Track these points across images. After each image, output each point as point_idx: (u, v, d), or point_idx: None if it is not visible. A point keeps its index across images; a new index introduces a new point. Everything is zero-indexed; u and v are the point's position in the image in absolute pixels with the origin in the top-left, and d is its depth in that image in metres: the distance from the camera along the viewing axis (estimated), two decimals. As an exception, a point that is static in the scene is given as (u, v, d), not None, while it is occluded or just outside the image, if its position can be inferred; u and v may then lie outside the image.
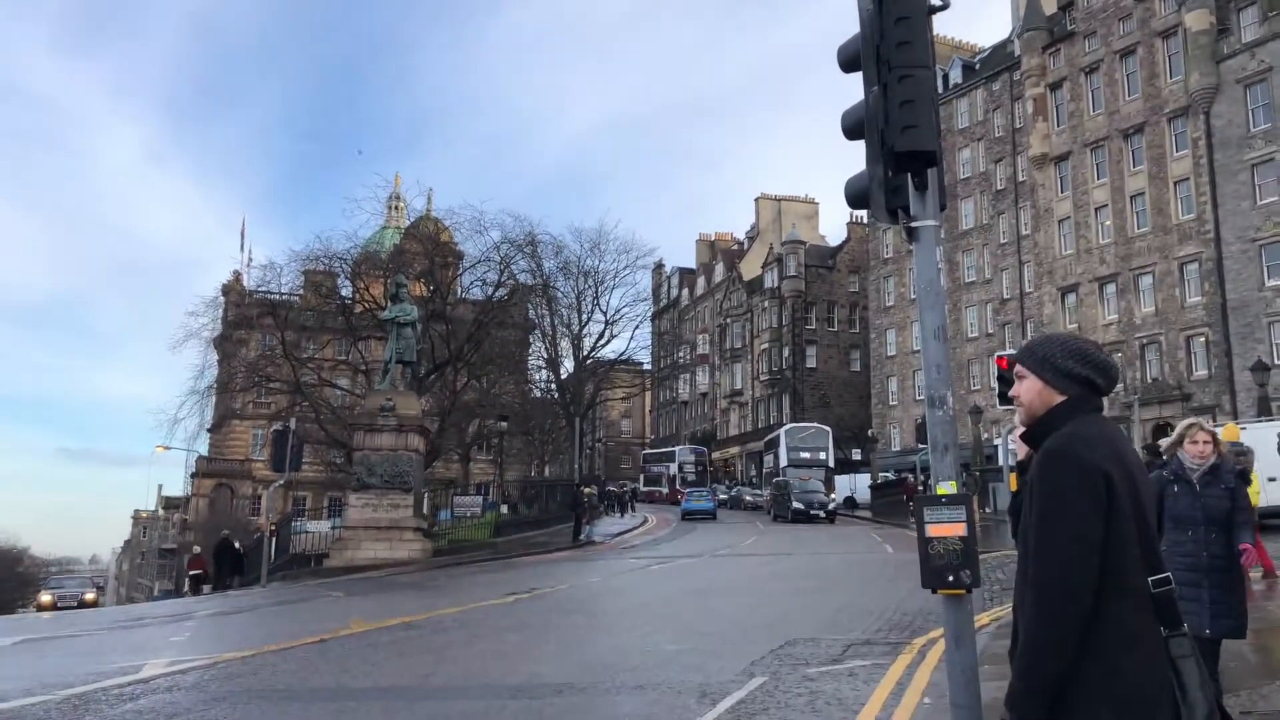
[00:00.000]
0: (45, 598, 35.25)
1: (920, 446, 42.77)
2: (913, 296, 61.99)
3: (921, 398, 60.30)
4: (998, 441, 40.86)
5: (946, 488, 4.73)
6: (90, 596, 34.34)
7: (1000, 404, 25.15)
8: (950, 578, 4.52)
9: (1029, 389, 2.83)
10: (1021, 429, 2.89)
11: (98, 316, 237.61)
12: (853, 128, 5.54)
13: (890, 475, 54.78)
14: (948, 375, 5.11)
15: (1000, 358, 23.64)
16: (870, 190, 5.20)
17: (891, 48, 4.96)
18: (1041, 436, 2.75)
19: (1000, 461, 32.89)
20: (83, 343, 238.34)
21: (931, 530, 4.55)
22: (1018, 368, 2.88)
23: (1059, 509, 2.52)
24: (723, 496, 59.00)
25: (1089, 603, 2.45)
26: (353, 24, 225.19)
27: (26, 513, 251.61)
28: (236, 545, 36.56)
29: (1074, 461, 2.55)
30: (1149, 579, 2.54)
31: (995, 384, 31.60)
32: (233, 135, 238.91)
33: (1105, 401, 2.85)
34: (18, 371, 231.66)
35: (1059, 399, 2.77)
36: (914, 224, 5.03)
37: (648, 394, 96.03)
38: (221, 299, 45.59)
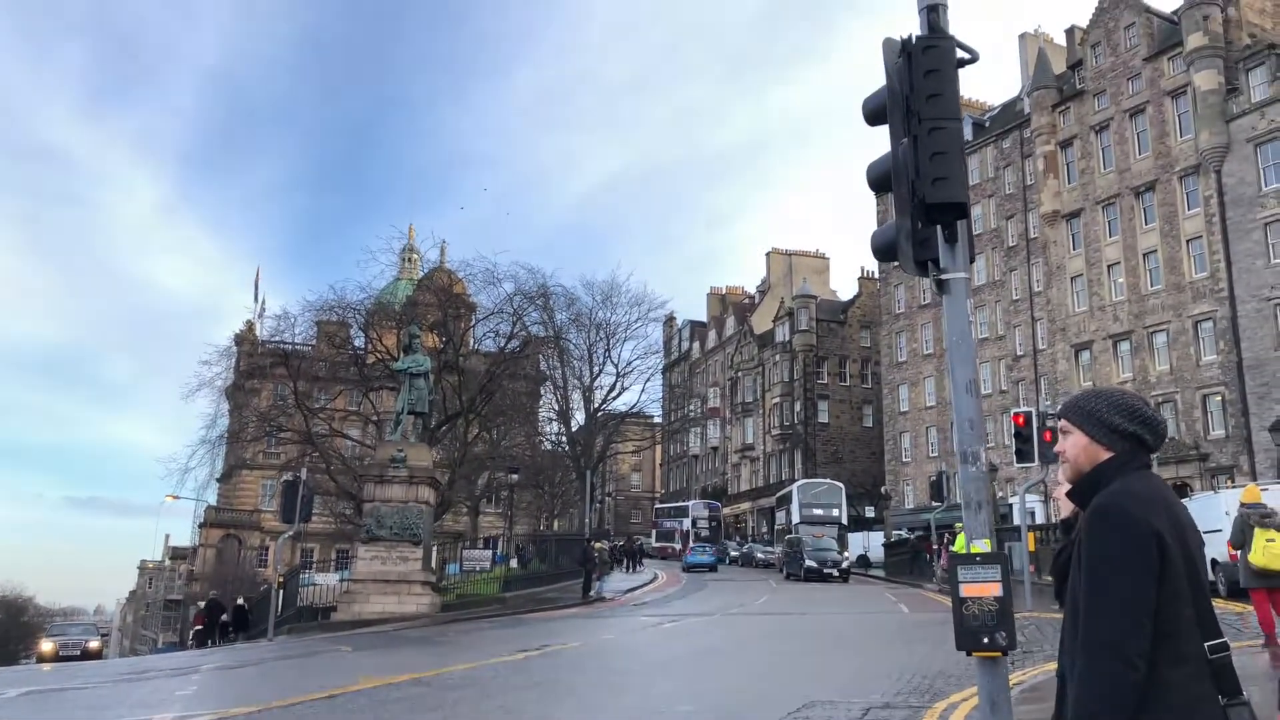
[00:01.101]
0: (47, 646, 34.62)
1: (934, 504, 42.28)
2: (926, 352, 61.96)
3: (935, 454, 59.95)
4: (1013, 500, 40.47)
5: (981, 546, 4.61)
6: (94, 645, 33.86)
7: (1017, 461, 25.01)
8: (985, 639, 4.38)
9: (1074, 445, 2.75)
10: (1066, 486, 2.79)
11: (109, 366, 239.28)
12: (879, 180, 5.52)
13: (904, 533, 54.23)
14: (981, 430, 5.01)
15: (1017, 415, 23.53)
16: (898, 243, 5.16)
17: (922, 100, 4.94)
18: (1088, 494, 2.65)
19: (1016, 520, 32.54)
20: (93, 392, 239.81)
21: (966, 590, 4.41)
22: (1062, 423, 2.80)
23: (1110, 569, 2.42)
24: (734, 553, 58.48)
25: (1143, 668, 2.34)
26: (366, 84, 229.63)
27: (32, 561, 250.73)
28: (241, 603, 36.38)
29: (1124, 519, 2.46)
30: (1205, 644, 2.43)
31: (1010, 441, 31.45)
32: (247, 189, 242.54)
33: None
34: (27, 420, 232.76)
35: (1105, 455, 2.68)
36: (944, 276, 4.97)
37: (658, 448, 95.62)
38: (234, 348, 45.74)
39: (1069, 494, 2.80)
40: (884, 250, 5.55)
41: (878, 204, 62.63)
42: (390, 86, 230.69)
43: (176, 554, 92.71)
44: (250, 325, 65.17)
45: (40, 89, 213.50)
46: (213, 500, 66.91)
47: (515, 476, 44.23)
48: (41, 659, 34.01)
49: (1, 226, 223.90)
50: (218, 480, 60.79)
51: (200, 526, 70.56)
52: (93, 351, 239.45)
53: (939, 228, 5.00)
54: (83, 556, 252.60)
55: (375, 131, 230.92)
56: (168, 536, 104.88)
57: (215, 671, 16.47)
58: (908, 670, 12.27)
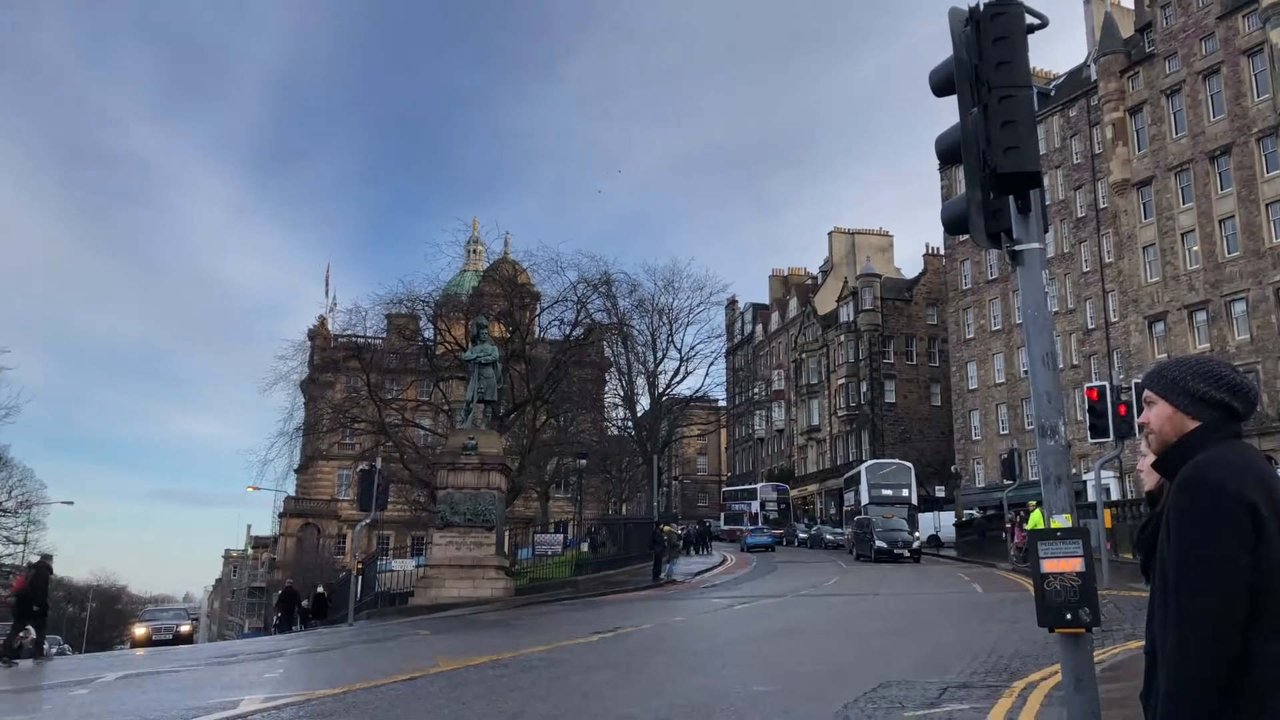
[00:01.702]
0: (140, 630, 35.70)
1: (1006, 482, 41.52)
2: (995, 328, 60.77)
3: (1005, 432, 58.87)
4: (1087, 476, 39.54)
5: (1061, 521, 4.50)
6: (185, 629, 34.90)
7: (1091, 437, 24.41)
8: (1068, 615, 4.28)
9: (1159, 415, 2.66)
10: (1151, 458, 2.71)
11: (187, 363, 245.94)
12: (948, 151, 5.40)
13: (975, 513, 53.40)
14: (1059, 403, 4.89)
15: (1090, 389, 22.99)
16: (969, 215, 5.04)
17: (991, 68, 4.82)
18: (1175, 465, 2.57)
19: (1091, 497, 31.80)
20: (174, 389, 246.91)
21: (1047, 565, 4.32)
22: (1146, 393, 2.71)
23: (1201, 542, 2.34)
24: (803, 535, 58.24)
25: (1237, 642, 2.27)
26: (425, 79, 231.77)
27: (124, 552, 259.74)
28: (320, 591, 37.26)
29: (1215, 490, 2.38)
30: (1304, 617, 2.34)
31: (1083, 417, 30.67)
32: (314, 186, 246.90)
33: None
34: (114, 418, 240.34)
35: (1192, 425, 2.60)
36: (1018, 247, 4.85)
37: (723, 431, 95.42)
38: (308, 343, 46.78)
39: (1155, 465, 2.71)
40: (955, 223, 5.42)
41: (941, 179, 61.47)
42: (448, 81, 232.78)
43: (258, 543, 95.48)
44: (323, 320, 66.46)
45: (113, 94, 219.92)
46: (291, 490, 68.63)
47: (583, 461, 44.50)
48: (135, 644, 35.12)
49: (81, 229, 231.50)
50: (296, 471, 62.30)
51: (280, 516, 72.48)
52: (170, 349, 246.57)
53: (1011, 198, 4.88)
54: (171, 546, 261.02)
55: (436, 126, 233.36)
56: (249, 526, 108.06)
57: (300, 655, 16.91)
58: (984, 649, 12.09)
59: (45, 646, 21.35)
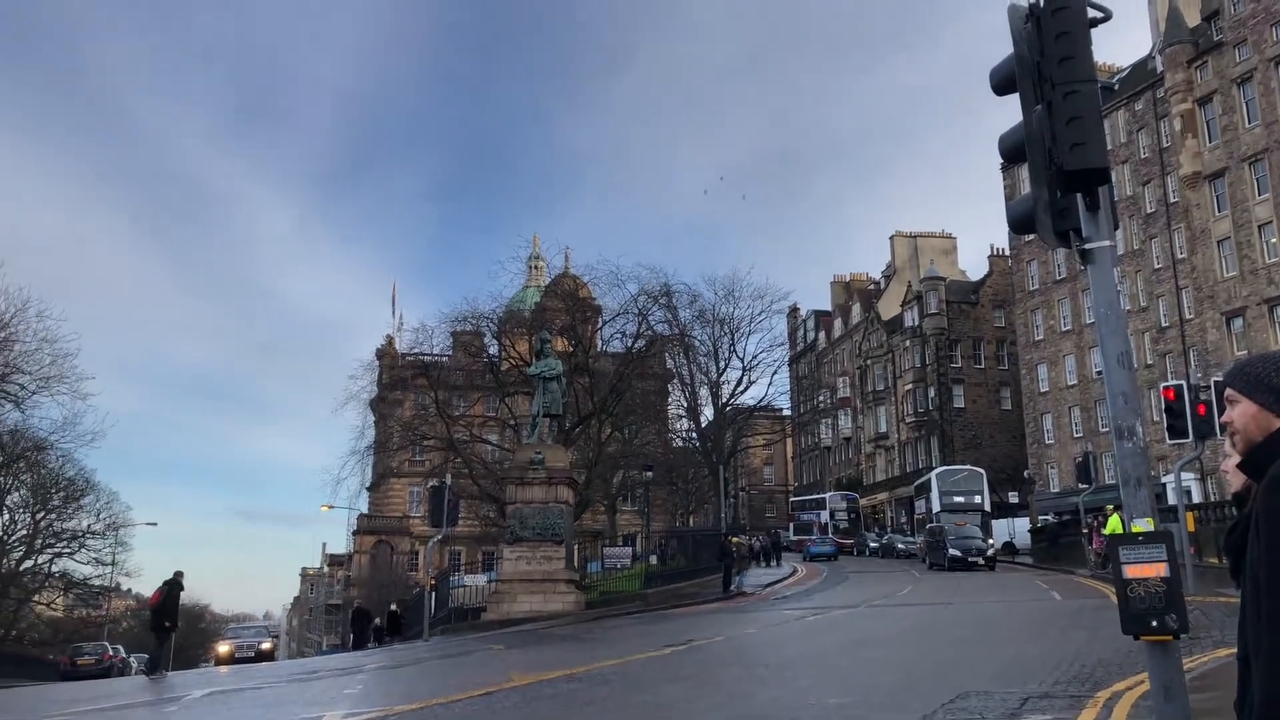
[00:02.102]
0: (224, 648, 36.61)
1: (1082, 486, 40.50)
2: (1065, 328, 59.43)
3: (1079, 435, 57.45)
4: (1167, 479, 38.36)
5: (1142, 524, 4.36)
6: (267, 646, 35.65)
7: (1169, 438, 23.68)
8: (1154, 622, 4.13)
9: (1243, 414, 2.56)
10: (1236, 458, 2.61)
11: (264, 386, 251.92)
12: (1012, 150, 5.31)
13: (1050, 518, 52.19)
14: (1135, 404, 4.75)
15: (1167, 389, 22.32)
16: (1035, 214, 4.94)
17: (1053, 64, 4.73)
18: (1261, 465, 2.47)
19: (1172, 500, 30.86)
20: (251, 411, 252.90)
21: (1130, 571, 4.18)
22: (1228, 392, 2.62)
23: (1292, 541, 2.25)
24: (873, 544, 57.51)
25: (1336, 645, 2.17)
26: (485, 98, 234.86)
27: (206, 572, 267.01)
28: (394, 608, 37.76)
29: (1304, 488, 2.28)
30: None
31: (1160, 417, 29.75)
32: (380, 207, 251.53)
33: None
34: (195, 440, 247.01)
35: (1278, 423, 2.49)
36: (1088, 245, 4.74)
37: (789, 440, 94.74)
38: (376, 362, 47.59)
39: (1240, 466, 2.61)
40: (1021, 222, 5.32)
41: (1005, 179, 60.40)
42: (507, 99, 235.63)
43: (334, 560, 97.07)
44: (390, 339, 67.78)
45: (182, 118, 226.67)
46: (364, 508, 69.79)
47: (649, 474, 44.59)
48: (219, 661, 35.98)
49: (160, 258, 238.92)
50: (368, 489, 63.45)
51: (354, 534, 73.68)
52: (248, 372, 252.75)
53: (1079, 195, 4.78)
54: (251, 565, 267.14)
55: (496, 144, 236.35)
56: (325, 544, 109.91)
57: (378, 671, 17.15)
58: (1064, 658, 11.79)
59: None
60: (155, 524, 60.47)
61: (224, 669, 27.69)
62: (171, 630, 20.52)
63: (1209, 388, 21.47)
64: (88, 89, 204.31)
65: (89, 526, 53.06)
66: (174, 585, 20.24)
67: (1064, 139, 4.71)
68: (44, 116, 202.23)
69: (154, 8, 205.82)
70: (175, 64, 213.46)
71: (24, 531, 50.05)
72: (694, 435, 61.67)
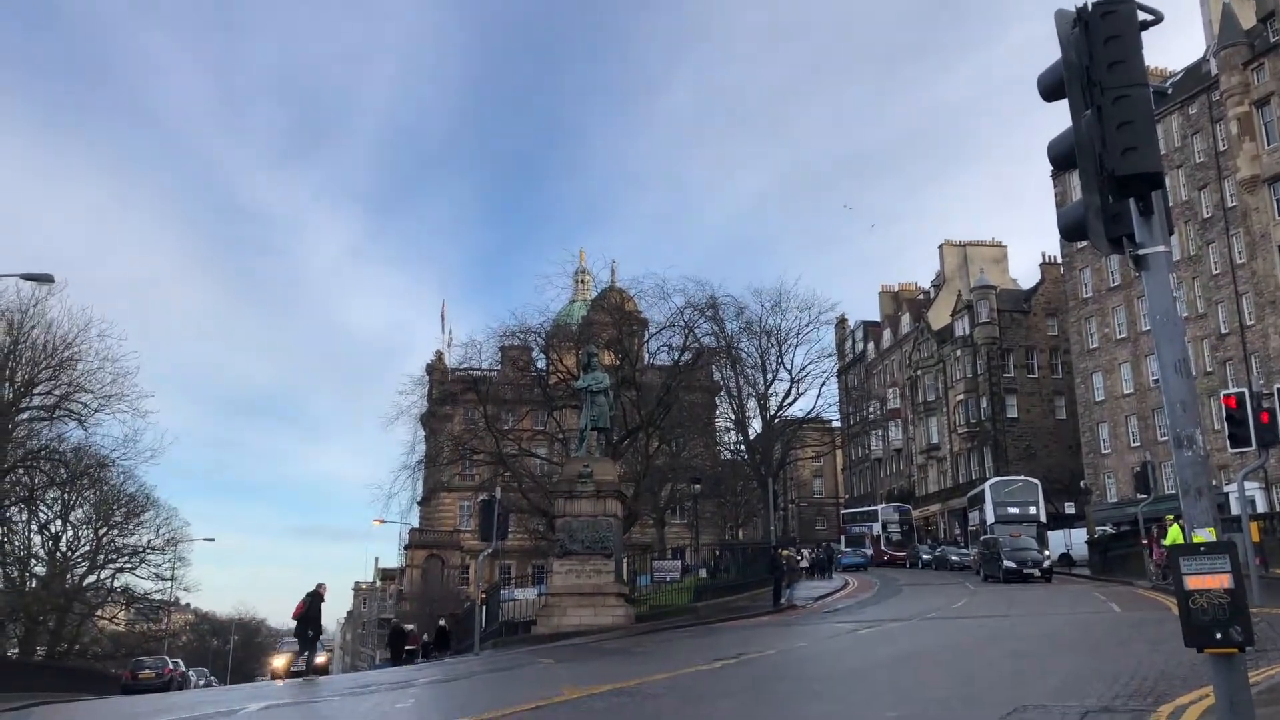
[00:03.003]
0: (279, 662, 37.12)
1: (1140, 496, 39.67)
2: (1120, 336, 58.36)
3: (1137, 444, 56.30)
4: (1229, 488, 37.40)
5: (1204, 534, 4.25)
6: (321, 660, 36.13)
7: (1231, 447, 23.11)
8: (1218, 634, 4.03)
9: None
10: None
11: (314, 402, 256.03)
12: (1062, 156, 5.24)
13: (1108, 529, 51.20)
14: (1194, 412, 4.65)
15: (1227, 396, 21.80)
16: (1088, 221, 4.86)
17: (1103, 69, 4.67)
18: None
19: (1235, 509, 30.09)
20: (306, 428, 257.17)
21: (1191, 582, 4.08)
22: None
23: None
24: (926, 557, 56.88)
25: None
26: (528, 117, 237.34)
27: (263, 587, 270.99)
28: (442, 624, 38.01)
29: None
30: None
31: (1220, 426, 29.01)
32: (428, 227, 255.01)
33: None
34: (248, 457, 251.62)
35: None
36: (1142, 251, 4.66)
37: (838, 452, 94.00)
38: (426, 378, 48.08)
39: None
40: (1072, 230, 5.25)
41: (1055, 186, 59.53)
42: (551, 117, 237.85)
43: (386, 575, 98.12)
44: (440, 355, 68.51)
45: (239, 150, 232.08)
46: (415, 523, 70.52)
47: (698, 487, 44.47)
48: (274, 675, 36.46)
49: (216, 281, 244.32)
50: (419, 503, 64.13)
51: (405, 548, 74.35)
52: (302, 390, 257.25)
53: (1132, 201, 4.71)
54: (306, 580, 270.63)
55: (540, 162, 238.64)
56: (377, 559, 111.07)
57: (430, 685, 17.27)
58: (1124, 672, 11.53)
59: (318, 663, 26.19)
60: (213, 539, 61.69)
61: (279, 682, 28.12)
62: (316, 638, 22.80)
63: (1271, 395, 20.94)
64: (153, 121, 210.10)
65: (149, 542, 54.19)
66: (315, 596, 22.22)
67: (1115, 144, 4.65)
68: (112, 149, 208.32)
69: (214, 43, 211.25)
70: (235, 97, 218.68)
71: (87, 547, 51.21)
72: (742, 448, 61.39)
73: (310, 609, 21.89)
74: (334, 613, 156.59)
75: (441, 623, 38.96)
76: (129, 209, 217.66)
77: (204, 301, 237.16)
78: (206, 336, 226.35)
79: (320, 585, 22.36)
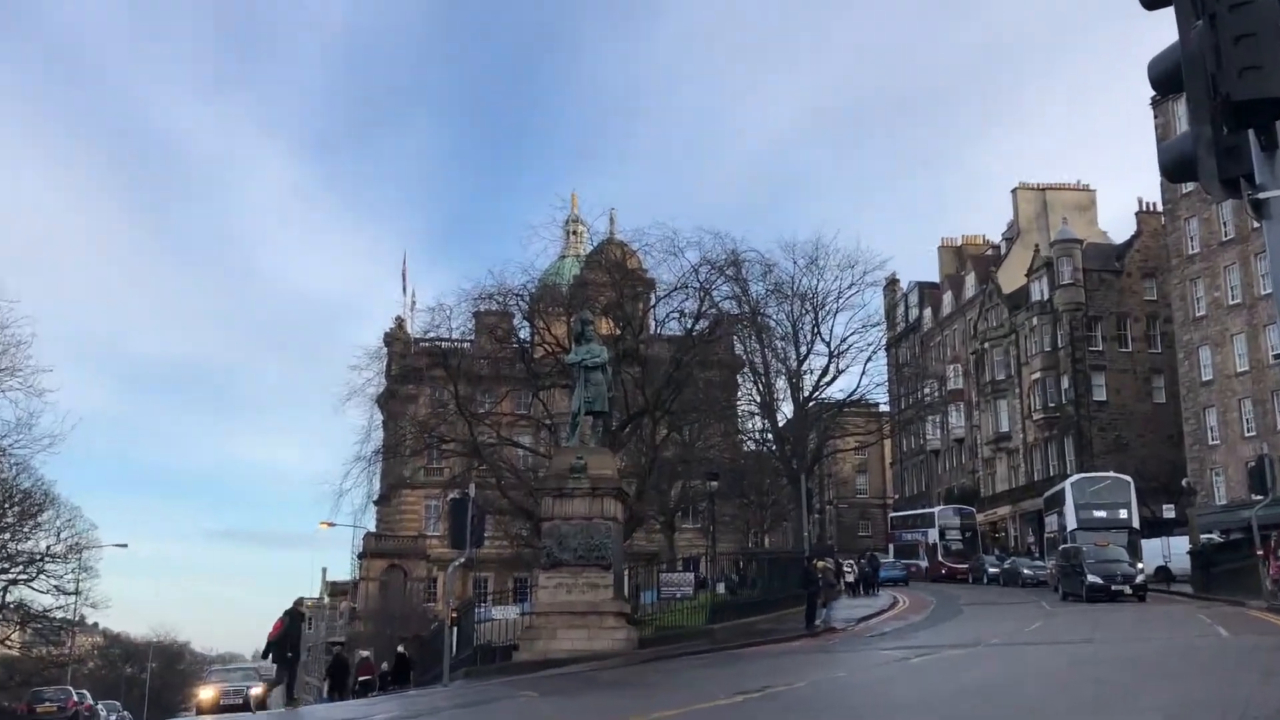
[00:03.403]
0: (207, 694, 36.98)
1: (1256, 498, 39.79)
2: (1233, 301, 58.31)
3: (1252, 433, 56.40)
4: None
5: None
6: (257, 691, 36.34)
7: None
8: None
9: None
10: None
11: (251, 380, 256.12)
12: (1165, 78, 5.20)
13: (1215, 536, 51.33)
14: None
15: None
16: (1196, 157, 4.84)
17: (1218, -32, 4.65)
18: None
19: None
20: (232, 409, 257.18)
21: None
22: None
23: None
24: (993, 570, 57.22)
25: None
26: (509, 36, 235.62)
27: (184, 603, 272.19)
28: (401, 651, 38.50)
29: None
30: None
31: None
32: (388, 166, 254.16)
33: None
34: (169, 446, 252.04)
35: None
36: (1262, 195, 4.64)
37: (887, 443, 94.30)
38: (385, 350, 48.20)
39: None
40: (1177, 167, 5.24)
41: (1156, 115, 59.20)
42: (538, 31, 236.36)
43: (335, 590, 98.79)
44: (400, 322, 68.71)
45: (156, 70, 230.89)
46: (372, 526, 70.84)
47: (715, 484, 44.59)
48: (201, 710, 36.65)
49: (129, 232, 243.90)
50: (375, 503, 64.37)
51: (359, 557, 74.79)
52: (232, 365, 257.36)
53: (1252, 132, 4.69)
54: (237, 595, 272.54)
55: (525, 86, 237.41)
56: (325, 570, 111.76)
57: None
58: (1235, 704, 11.63)
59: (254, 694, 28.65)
60: (125, 545, 62.30)
61: (208, 718, 28.42)
62: (295, 661, 24.66)
63: None
64: (43, 33, 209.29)
65: (48, 548, 54.42)
66: (295, 615, 23.96)
67: (1232, 62, 4.63)
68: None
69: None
70: (149, 3, 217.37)
71: (-29, 555, 51.46)
72: (769, 437, 61.58)
73: (290, 628, 23.58)
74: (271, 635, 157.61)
75: (401, 649, 39.21)
76: (18, 143, 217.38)
77: (114, 257, 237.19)
78: (118, 300, 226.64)
79: (298, 601, 24.51)
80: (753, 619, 32.99)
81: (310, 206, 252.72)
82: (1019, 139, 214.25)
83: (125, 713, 72.03)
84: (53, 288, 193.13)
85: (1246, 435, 56.94)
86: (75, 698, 43.50)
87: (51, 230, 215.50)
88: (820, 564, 34.34)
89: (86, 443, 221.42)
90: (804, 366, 59.74)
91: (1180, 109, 58.16)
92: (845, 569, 50.49)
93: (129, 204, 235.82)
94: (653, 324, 44.56)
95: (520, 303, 42.40)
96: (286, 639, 23.73)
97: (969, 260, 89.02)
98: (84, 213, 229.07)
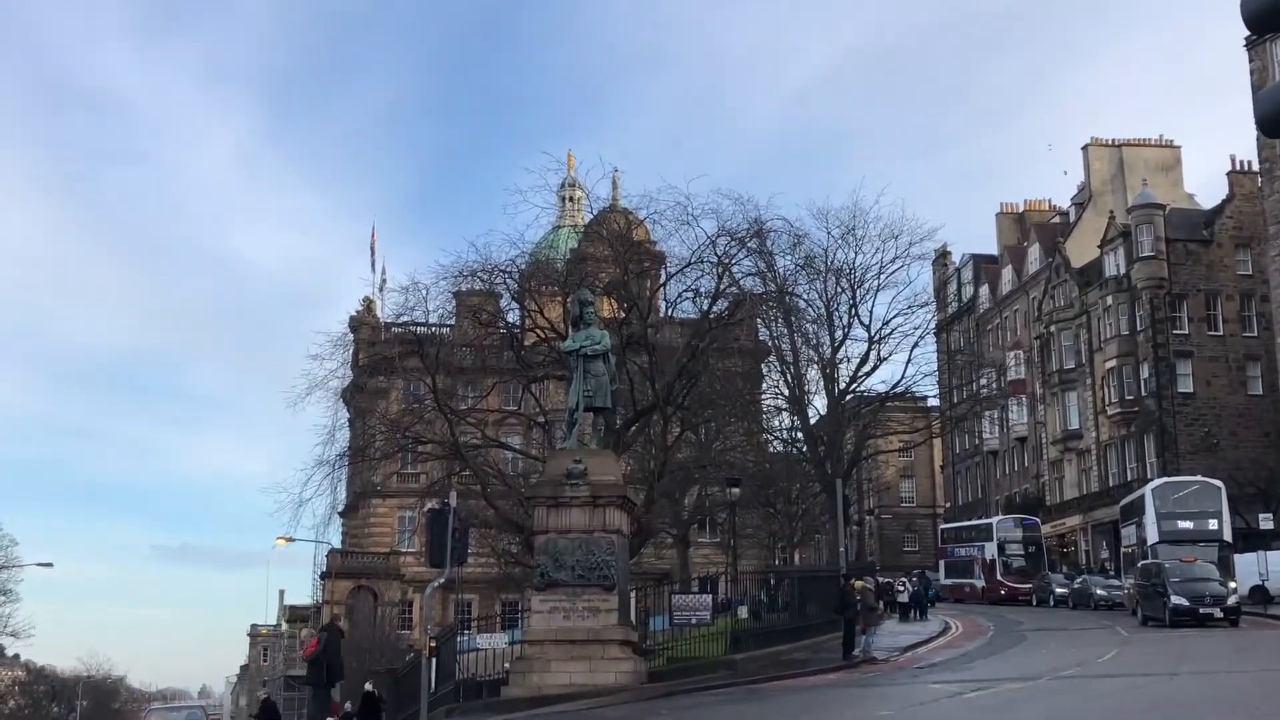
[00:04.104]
0: None
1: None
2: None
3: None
4: None
5: None
6: None
7: None
8: None
9: None
10: None
11: (191, 373, 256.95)
12: (1262, 15, 5.16)
13: (1322, 550, 51.39)
14: None
15: None
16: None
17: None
18: None
19: None
20: (173, 406, 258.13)
21: None
22: None
23: None
24: (1060, 590, 57.31)
25: None
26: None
27: (120, 631, 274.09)
28: (370, 689, 38.74)
29: None
30: None
31: None
32: (351, 122, 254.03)
33: None
34: (101, 451, 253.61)
35: None
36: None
37: (936, 443, 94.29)
38: (350, 336, 48.14)
39: None
40: (1275, 121, 5.24)
41: (1250, 60, 59.00)
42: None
43: (295, 615, 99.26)
44: (369, 304, 68.91)
45: (78, 10, 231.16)
46: (337, 541, 71.08)
47: (736, 491, 44.63)
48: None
49: (51, 201, 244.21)
50: (341, 514, 64.58)
51: (323, 577, 75.05)
52: (172, 356, 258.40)
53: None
54: (181, 622, 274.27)
55: (511, 26, 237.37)
56: (282, 593, 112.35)
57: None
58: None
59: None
60: (50, 565, 62.53)
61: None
62: (333, 683, 24.99)
63: None
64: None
65: (-38, 568, 54.76)
66: (333, 630, 24.79)
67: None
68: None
69: None
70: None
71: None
72: (799, 436, 61.63)
73: (329, 644, 24.27)
74: (223, 668, 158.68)
75: (369, 686, 39.18)
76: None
77: (34, 232, 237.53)
78: (38, 282, 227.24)
79: (335, 617, 25.05)
80: (780, 648, 33.07)
81: (260, 169, 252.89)
82: (1093, 87, 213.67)
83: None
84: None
85: (1358, 433, 56.95)
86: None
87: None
88: (859, 584, 34.39)
89: (10, 449, 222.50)
90: (840, 354, 59.76)
91: (1279, 52, 58.01)
92: (898, 588, 50.59)
93: (52, 169, 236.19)
94: (663, 305, 44.52)
95: (508, 281, 42.29)
96: (324, 658, 24.14)
97: (1033, 229, 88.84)
98: None
